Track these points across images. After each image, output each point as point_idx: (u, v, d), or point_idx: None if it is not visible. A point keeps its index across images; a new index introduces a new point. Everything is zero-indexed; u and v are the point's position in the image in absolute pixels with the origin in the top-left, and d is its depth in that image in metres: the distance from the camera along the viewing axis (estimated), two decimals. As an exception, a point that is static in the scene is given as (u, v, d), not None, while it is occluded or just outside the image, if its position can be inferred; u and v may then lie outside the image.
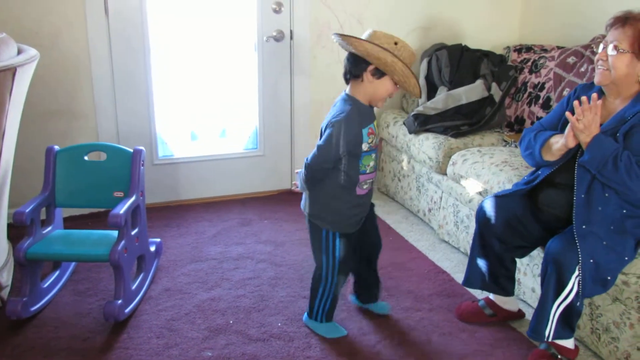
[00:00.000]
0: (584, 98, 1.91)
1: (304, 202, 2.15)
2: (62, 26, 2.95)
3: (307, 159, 2.01)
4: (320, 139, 2.00)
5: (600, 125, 1.94)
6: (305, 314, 2.28)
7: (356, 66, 1.95)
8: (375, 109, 2.07)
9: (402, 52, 1.91)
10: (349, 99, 1.99)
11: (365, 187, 2.06)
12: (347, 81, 2.03)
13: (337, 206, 2.06)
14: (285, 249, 2.89)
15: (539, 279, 2.30)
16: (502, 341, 2.19)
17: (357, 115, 1.97)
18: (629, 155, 1.87)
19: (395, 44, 1.91)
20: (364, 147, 1.98)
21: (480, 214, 2.24)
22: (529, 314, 2.34)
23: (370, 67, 1.94)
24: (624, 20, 1.93)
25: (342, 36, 1.93)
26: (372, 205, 2.21)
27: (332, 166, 1.99)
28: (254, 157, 3.53)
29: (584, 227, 1.93)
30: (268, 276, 2.62)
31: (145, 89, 3.20)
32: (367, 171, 2.04)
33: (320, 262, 2.14)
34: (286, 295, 2.47)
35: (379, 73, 1.94)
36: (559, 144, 2.02)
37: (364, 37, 1.94)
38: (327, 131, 1.95)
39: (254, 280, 2.58)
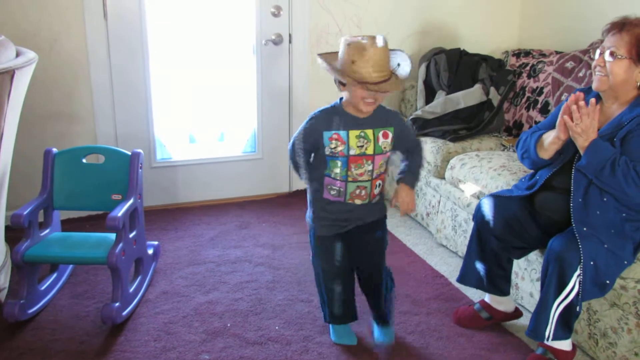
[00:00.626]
0: (581, 103, 1.92)
1: None
2: (61, 29, 2.96)
3: None
4: None
5: (598, 130, 1.95)
6: None
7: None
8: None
9: (359, 65, 1.82)
10: (336, 103, 2.02)
11: (332, 192, 2.01)
12: None
13: (313, 204, 2.08)
14: (283, 252, 2.88)
15: (537, 284, 2.30)
16: (500, 346, 2.19)
17: (326, 117, 1.98)
18: (626, 160, 1.87)
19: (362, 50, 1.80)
20: (326, 150, 1.97)
21: (479, 212, 2.23)
22: (526, 318, 2.34)
23: (334, 77, 1.94)
24: (621, 26, 1.93)
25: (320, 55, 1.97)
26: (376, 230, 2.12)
27: (297, 156, 2.02)
28: (253, 160, 3.53)
29: (584, 229, 1.93)
30: (266, 279, 2.62)
31: (144, 92, 3.20)
32: (332, 176, 1.99)
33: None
34: (284, 299, 2.47)
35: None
36: (551, 137, 2.04)
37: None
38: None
39: (252, 284, 2.58)
